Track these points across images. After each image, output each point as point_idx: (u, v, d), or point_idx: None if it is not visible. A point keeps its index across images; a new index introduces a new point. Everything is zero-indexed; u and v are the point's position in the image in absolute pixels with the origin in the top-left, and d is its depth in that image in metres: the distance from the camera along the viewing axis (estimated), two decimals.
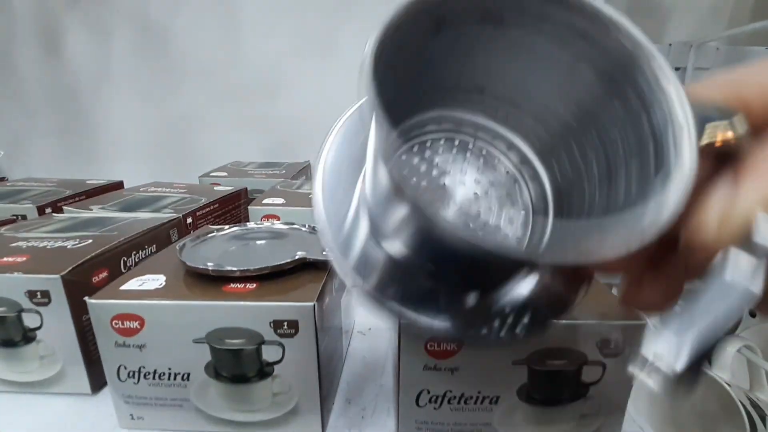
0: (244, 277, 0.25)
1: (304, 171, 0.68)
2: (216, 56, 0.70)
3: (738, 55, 0.56)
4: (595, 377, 0.22)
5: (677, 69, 0.56)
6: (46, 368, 0.28)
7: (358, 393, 0.29)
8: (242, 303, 0.23)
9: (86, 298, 0.23)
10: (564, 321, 0.21)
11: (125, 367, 0.24)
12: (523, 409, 0.23)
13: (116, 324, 0.23)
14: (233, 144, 0.73)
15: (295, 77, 0.70)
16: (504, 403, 0.23)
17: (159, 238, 0.36)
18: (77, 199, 0.51)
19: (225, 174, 0.62)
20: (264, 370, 0.24)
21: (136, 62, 0.71)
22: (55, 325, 0.27)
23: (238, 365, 0.24)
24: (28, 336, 0.27)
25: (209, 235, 0.31)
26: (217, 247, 0.29)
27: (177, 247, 0.28)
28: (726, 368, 0.45)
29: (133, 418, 0.25)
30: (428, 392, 0.22)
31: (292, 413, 0.25)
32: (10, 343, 0.27)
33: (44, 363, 0.28)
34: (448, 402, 0.23)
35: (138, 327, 0.23)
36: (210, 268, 0.25)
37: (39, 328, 0.27)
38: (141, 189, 0.52)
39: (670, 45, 0.55)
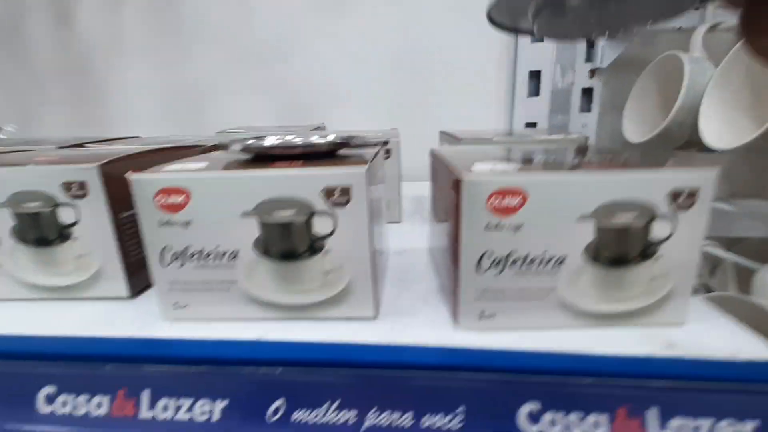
0: (290, 155, 0.24)
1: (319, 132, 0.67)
2: (228, 19, 0.69)
3: None
4: (665, 234, 0.21)
5: None
6: (83, 270, 0.27)
7: (406, 289, 0.28)
8: (293, 171, 0.22)
9: (128, 174, 0.22)
10: (630, 171, 0.20)
11: (170, 249, 0.23)
12: (590, 272, 0.22)
13: (161, 200, 0.22)
14: (247, 108, 0.72)
15: (308, 38, 0.69)
16: (570, 265, 0.22)
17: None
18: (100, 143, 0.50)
19: (243, 131, 0.61)
20: (315, 245, 0.23)
21: (147, 28, 0.70)
22: (91, 220, 0.26)
23: (288, 240, 0.23)
24: (63, 233, 0.26)
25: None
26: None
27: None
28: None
29: (177, 308, 0.24)
30: (491, 255, 0.21)
31: (344, 294, 0.24)
32: (44, 242, 0.26)
33: (80, 264, 0.27)
34: (512, 264, 0.21)
35: (184, 202, 0.22)
36: (253, 144, 0.24)
37: (75, 224, 0.26)
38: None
39: None
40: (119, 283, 0.27)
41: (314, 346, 0.22)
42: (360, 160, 0.23)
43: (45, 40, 0.71)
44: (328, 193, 0.22)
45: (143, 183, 0.22)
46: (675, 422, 0.19)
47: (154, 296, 0.28)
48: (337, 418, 0.20)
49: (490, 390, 0.20)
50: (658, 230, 0.21)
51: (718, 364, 0.20)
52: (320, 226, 0.22)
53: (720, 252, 0.52)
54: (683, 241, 0.21)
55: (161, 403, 0.21)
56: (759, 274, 0.45)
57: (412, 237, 0.39)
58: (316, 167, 0.22)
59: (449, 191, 0.23)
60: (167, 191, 0.22)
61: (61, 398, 0.22)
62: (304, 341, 0.22)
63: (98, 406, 0.22)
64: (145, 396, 0.22)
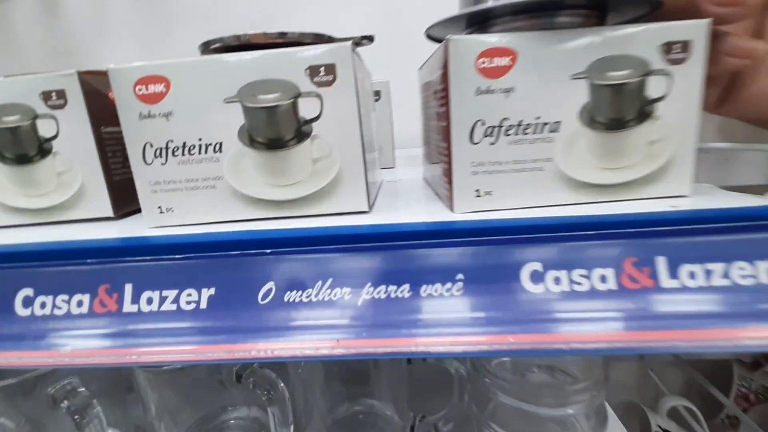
0: (271, 45, 0.23)
1: None
2: (216, 2, 0.70)
3: None
4: (661, 91, 0.21)
5: None
6: (65, 188, 0.26)
7: (400, 198, 0.28)
8: (275, 50, 0.21)
9: (109, 65, 0.22)
10: (621, 26, 0.20)
11: (151, 145, 0.22)
12: (587, 138, 0.21)
13: (140, 90, 0.22)
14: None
15: (296, 21, 0.69)
16: (565, 131, 0.21)
17: None
18: None
19: None
20: (302, 130, 0.22)
21: (133, 12, 0.71)
22: (72, 130, 0.25)
23: (274, 126, 0.22)
24: (44, 148, 0.25)
25: None
26: None
27: None
28: None
29: (162, 212, 0.23)
30: (483, 123, 0.21)
31: (334, 184, 0.23)
32: (24, 159, 0.25)
33: (62, 181, 0.26)
34: (506, 133, 0.21)
35: (164, 90, 0.22)
36: (231, 36, 0.23)
37: (55, 137, 0.25)
38: None
39: None
40: (103, 201, 0.26)
41: (298, 228, 0.21)
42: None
43: (30, 28, 0.71)
44: (313, 71, 0.21)
45: (122, 72, 0.21)
46: (685, 269, 0.18)
47: (141, 218, 0.27)
48: (331, 295, 0.19)
49: (488, 255, 0.19)
50: (653, 88, 0.21)
51: (729, 210, 0.19)
52: (306, 110, 0.22)
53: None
54: (680, 100, 0.21)
55: (145, 296, 0.20)
56: None
57: (405, 176, 0.38)
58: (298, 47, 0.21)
59: (438, 72, 0.22)
60: (146, 80, 0.21)
61: (39, 300, 0.21)
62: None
63: (79, 304, 0.21)
64: (128, 290, 0.20)
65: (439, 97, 0.22)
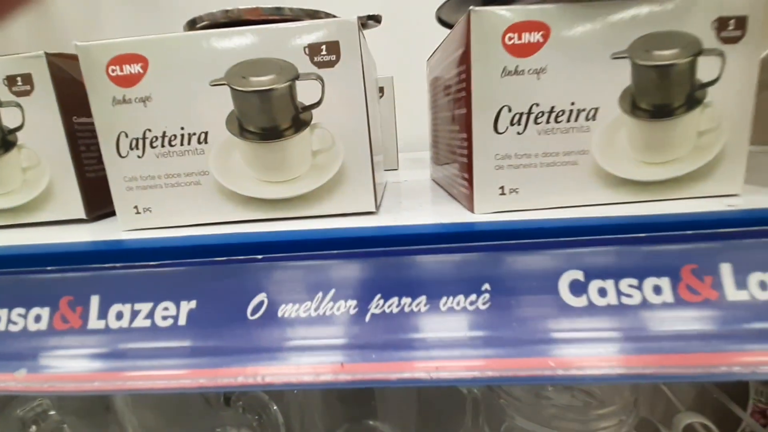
0: (262, 20, 0.21)
1: None
2: (212, 5, 0.67)
3: None
4: (713, 74, 0.18)
5: None
6: (32, 185, 0.23)
7: (409, 198, 0.25)
8: (269, 26, 0.18)
9: (75, 42, 0.19)
10: None
11: (126, 135, 0.19)
12: (628, 127, 0.18)
13: (113, 71, 0.19)
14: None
15: None
16: (604, 119, 0.18)
17: None
18: None
19: None
20: (300, 118, 0.19)
21: (127, 13, 0.68)
22: (39, 120, 0.22)
23: (267, 113, 0.19)
24: (7, 140, 0.22)
25: None
26: None
27: None
28: None
29: (138, 212, 0.20)
30: (509, 110, 0.18)
31: (336, 181, 0.20)
32: None
33: (29, 178, 0.23)
34: (536, 121, 0.18)
35: (140, 72, 0.19)
36: (219, 11, 0.20)
37: (20, 128, 0.22)
38: None
39: None
40: (74, 201, 0.23)
41: (296, 230, 0.18)
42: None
43: (19, 25, 0.69)
44: (313, 50, 0.18)
45: (92, 50, 0.19)
46: (755, 277, 0.15)
47: (117, 220, 0.24)
48: (333, 309, 0.16)
49: (518, 263, 0.16)
50: (704, 69, 0.18)
51: None
52: (305, 95, 0.19)
53: None
54: (734, 84, 0.18)
55: (113, 310, 0.17)
56: None
57: (411, 177, 0.35)
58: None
59: (457, 53, 0.19)
60: (121, 59, 0.19)
61: None
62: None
63: (37, 319, 0.18)
64: (94, 303, 0.17)
65: (456, 81, 0.19)
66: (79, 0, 0.67)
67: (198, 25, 0.21)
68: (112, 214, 0.25)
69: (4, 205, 0.23)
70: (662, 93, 0.18)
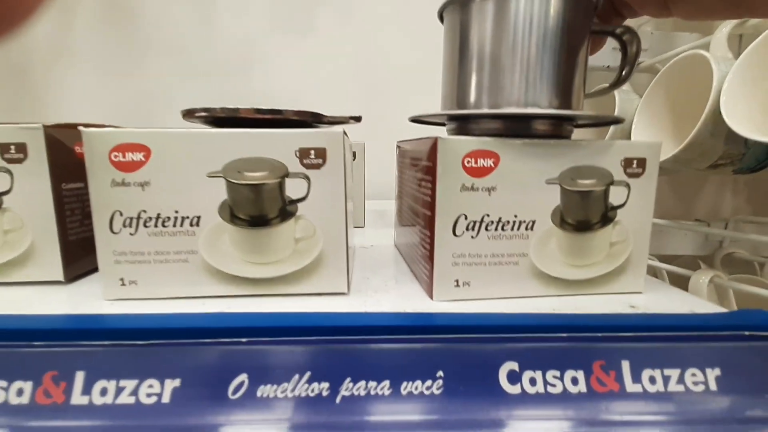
0: (259, 121, 0.23)
1: None
2: (186, 33, 0.69)
3: (667, 40, 0.65)
4: (621, 199, 0.23)
5: None
6: (10, 246, 0.23)
7: (376, 273, 0.28)
8: (266, 130, 0.21)
9: (81, 128, 0.20)
10: (590, 140, 0.22)
11: (121, 214, 0.21)
12: (557, 237, 0.22)
13: (116, 157, 0.20)
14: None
15: (269, 57, 0.70)
16: (539, 230, 0.22)
17: None
18: None
19: None
20: (287, 209, 0.22)
21: (98, 37, 0.68)
22: (28, 187, 0.23)
23: (258, 203, 0.21)
24: None
25: None
26: None
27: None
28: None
29: (124, 284, 0.22)
30: (465, 218, 0.22)
31: (315, 265, 0.22)
32: None
33: (8, 240, 0.23)
34: (486, 228, 0.22)
35: (142, 159, 0.21)
36: (219, 108, 0.23)
37: (7, 192, 0.23)
38: None
39: None
40: (54, 265, 0.24)
41: (278, 315, 0.20)
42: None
43: None
44: (303, 153, 0.21)
45: (98, 137, 0.20)
46: (647, 373, 0.19)
47: (94, 281, 0.25)
48: (309, 390, 0.19)
49: (467, 353, 0.19)
50: (615, 196, 0.23)
51: (682, 316, 0.21)
52: (293, 190, 0.22)
53: (656, 263, 0.56)
54: (636, 208, 0.23)
55: (98, 386, 0.18)
56: (692, 278, 0.49)
57: (376, 239, 0.38)
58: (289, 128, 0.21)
59: (424, 162, 0.23)
60: (125, 147, 0.20)
61: None
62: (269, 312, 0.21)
63: (19, 393, 0.18)
64: (79, 379, 0.18)
65: (424, 185, 0.23)
66: (48, 18, 0.66)
67: (196, 114, 0.23)
68: (86, 274, 0.26)
69: None
70: (584, 212, 0.22)
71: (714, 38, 0.47)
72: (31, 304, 0.22)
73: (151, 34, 0.68)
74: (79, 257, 0.25)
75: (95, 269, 0.27)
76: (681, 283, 0.52)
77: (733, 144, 0.43)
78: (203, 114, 0.23)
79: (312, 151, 0.21)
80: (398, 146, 0.33)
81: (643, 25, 0.64)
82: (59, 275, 0.24)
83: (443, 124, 0.28)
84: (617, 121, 0.24)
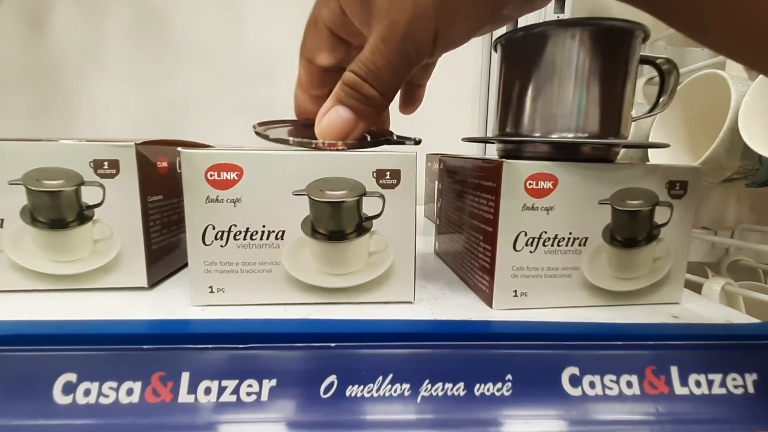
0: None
1: None
2: (215, 42, 0.70)
3: (680, 55, 0.68)
4: (664, 218, 0.25)
5: None
6: (100, 255, 0.25)
7: (429, 281, 0.30)
8: (346, 152, 0.23)
9: (180, 149, 0.22)
10: (637, 164, 0.24)
11: (214, 227, 0.23)
12: (607, 252, 0.25)
13: (212, 176, 0.22)
14: (228, 131, 0.72)
15: (296, 67, 0.72)
16: (591, 245, 0.24)
17: None
18: None
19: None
20: (363, 224, 0.24)
21: (129, 44, 0.69)
22: (118, 200, 0.25)
23: (337, 220, 0.23)
24: (84, 215, 0.24)
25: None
26: None
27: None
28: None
29: (212, 291, 0.24)
30: (525, 234, 0.24)
31: (386, 276, 0.24)
32: (59, 224, 0.24)
33: (98, 249, 0.25)
34: (543, 244, 0.24)
35: (236, 178, 0.22)
36: (292, 139, 0.24)
37: (99, 204, 0.24)
38: None
39: None
40: (139, 272, 0.26)
41: (364, 321, 0.22)
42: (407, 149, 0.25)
43: (11, 45, 0.67)
44: (379, 174, 0.23)
45: (195, 157, 0.22)
46: (693, 377, 0.21)
47: (173, 287, 0.27)
48: (392, 390, 0.21)
49: (532, 358, 0.21)
50: (659, 215, 0.25)
51: (722, 326, 0.23)
52: (368, 207, 0.24)
53: None
54: (678, 226, 0.25)
55: (202, 385, 0.20)
56: (705, 285, 0.52)
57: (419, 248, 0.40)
58: (367, 150, 0.23)
59: (486, 182, 0.25)
60: (220, 167, 0.22)
61: (82, 386, 0.20)
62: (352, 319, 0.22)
63: (128, 393, 0.20)
64: (185, 379, 0.20)
65: (485, 204, 0.25)
66: (81, 27, 0.67)
67: (271, 136, 0.25)
68: (162, 281, 0.28)
69: (71, 271, 0.25)
70: (632, 230, 0.25)
71: None
72: (124, 308, 0.24)
73: (180, 42, 0.69)
74: (159, 265, 0.27)
75: (168, 276, 0.29)
76: (690, 288, 0.55)
77: (747, 160, 0.46)
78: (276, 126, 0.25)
79: (388, 173, 0.23)
80: (441, 160, 0.35)
81: (657, 41, 0.67)
82: (143, 281, 0.26)
83: (485, 142, 0.30)
84: (662, 145, 0.26)
